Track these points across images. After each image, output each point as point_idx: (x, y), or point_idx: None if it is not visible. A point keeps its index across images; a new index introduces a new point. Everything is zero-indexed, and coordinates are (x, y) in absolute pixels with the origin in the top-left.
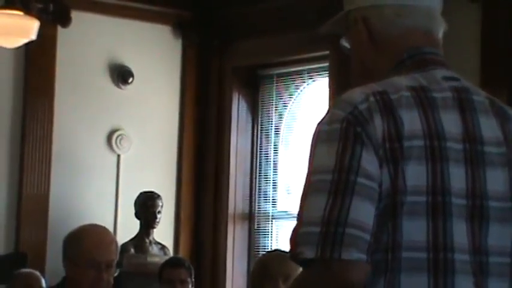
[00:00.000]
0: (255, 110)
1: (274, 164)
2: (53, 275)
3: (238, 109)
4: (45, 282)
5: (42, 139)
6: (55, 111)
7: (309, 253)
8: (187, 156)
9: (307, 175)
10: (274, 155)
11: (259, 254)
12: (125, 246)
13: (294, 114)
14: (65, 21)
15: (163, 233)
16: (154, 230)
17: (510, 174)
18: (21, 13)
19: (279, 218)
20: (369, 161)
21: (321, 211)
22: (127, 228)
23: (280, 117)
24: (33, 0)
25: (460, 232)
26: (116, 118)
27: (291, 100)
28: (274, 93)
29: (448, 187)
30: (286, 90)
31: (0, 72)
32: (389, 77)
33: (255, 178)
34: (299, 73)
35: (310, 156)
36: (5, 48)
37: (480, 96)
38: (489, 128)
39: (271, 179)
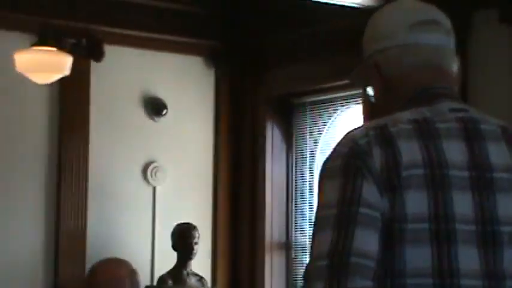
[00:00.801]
0: (289, 138)
1: (310, 192)
2: None
3: (273, 138)
4: None
5: (78, 174)
6: (90, 146)
7: (319, 286)
8: (222, 187)
9: (316, 212)
10: (310, 183)
11: (297, 283)
12: (162, 278)
13: (328, 142)
14: (98, 56)
15: (201, 264)
16: (192, 261)
17: None
18: (54, 49)
19: None
20: (370, 192)
21: (327, 245)
22: (164, 260)
23: (315, 145)
24: (66, 35)
25: (467, 258)
26: (150, 150)
27: (324, 128)
28: (308, 121)
29: (452, 213)
30: (320, 118)
31: (35, 109)
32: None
33: (291, 207)
34: (332, 101)
35: (318, 194)
36: (39, 85)
37: (490, 125)
38: (499, 154)
39: (308, 208)
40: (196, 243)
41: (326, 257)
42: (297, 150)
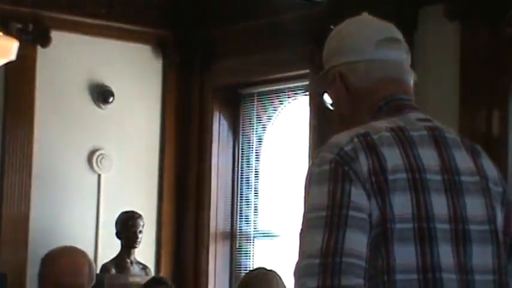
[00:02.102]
0: (236, 128)
1: (255, 182)
2: None
3: (219, 128)
4: None
5: (22, 160)
6: (35, 132)
7: (311, 283)
8: (168, 176)
9: (304, 214)
10: (255, 173)
11: (240, 273)
12: (106, 266)
13: (275, 132)
14: (45, 42)
15: (145, 253)
16: (136, 249)
17: (485, 200)
18: (0, 33)
19: (260, 237)
20: (358, 195)
21: (319, 244)
22: (108, 248)
23: (261, 136)
24: (13, 20)
25: (445, 254)
26: (96, 138)
27: (271, 118)
28: (255, 111)
29: (431, 214)
30: (267, 108)
31: None
32: (365, 123)
33: (236, 197)
34: (279, 92)
35: (304, 197)
36: None
37: (452, 134)
38: (463, 160)
39: (253, 198)
40: (140, 231)
41: (318, 256)
42: (243, 141)
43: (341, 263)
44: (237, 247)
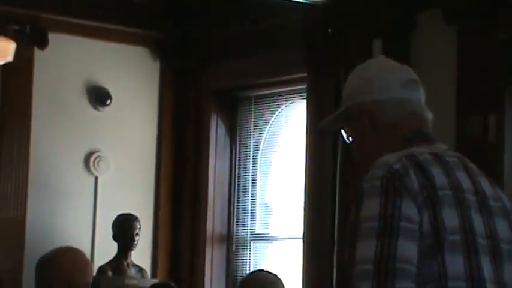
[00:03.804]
0: (234, 132)
1: (252, 185)
2: None
3: (217, 131)
4: None
5: (18, 161)
6: (32, 134)
7: (366, 286)
8: (165, 178)
9: (356, 225)
10: (252, 177)
11: (237, 276)
12: (102, 268)
13: (273, 136)
14: (42, 43)
15: (141, 255)
16: (132, 252)
17: (508, 223)
18: None
19: (256, 241)
20: (409, 208)
21: (372, 252)
22: (105, 251)
23: (259, 139)
24: (10, 21)
25: (487, 266)
26: (93, 140)
27: (269, 122)
28: (252, 115)
29: (473, 229)
30: (265, 112)
31: None
32: (400, 150)
33: (233, 201)
34: (277, 95)
35: (356, 210)
36: None
37: (472, 164)
38: (486, 186)
39: (250, 201)
40: (137, 234)
41: (371, 262)
42: (240, 144)
43: (394, 268)
44: (233, 251)
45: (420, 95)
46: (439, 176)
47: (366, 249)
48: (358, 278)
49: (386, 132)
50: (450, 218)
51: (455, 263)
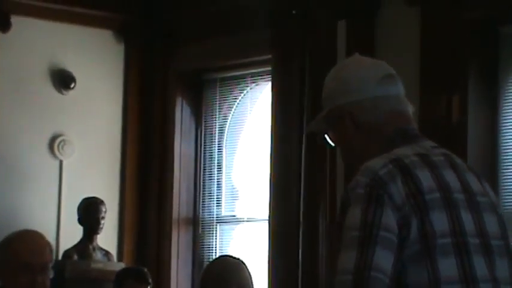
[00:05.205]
0: (199, 114)
1: (218, 168)
2: None
3: (182, 114)
4: None
5: None
6: None
7: None
8: (130, 162)
9: (342, 234)
10: (218, 159)
11: (203, 259)
12: (68, 252)
13: (238, 118)
14: (5, 27)
15: (107, 239)
16: (98, 236)
17: (497, 218)
18: None
19: (223, 223)
20: (389, 217)
21: (352, 262)
22: (70, 235)
23: (224, 122)
24: None
25: (479, 266)
26: (58, 123)
27: (234, 104)
28: (218, 97)
29: (463, 229)
30: (230, 94)
31: None
32: (384, 153)
33: (200, 183)
34: (242, 77)
35: (341, 217)
36: None
37: (459, 160)
38: (474, 182)
39: (216, 184)
40: (103, 217)
41: (350, 273)
42: (206, 127)
43: (369, 278)
44: (200, 233)
45: (398, 89)
46: (426, 179)
47: (347, 259)
48: None
49: (369, 132)
50: (439, 221)
51: (448, 267)
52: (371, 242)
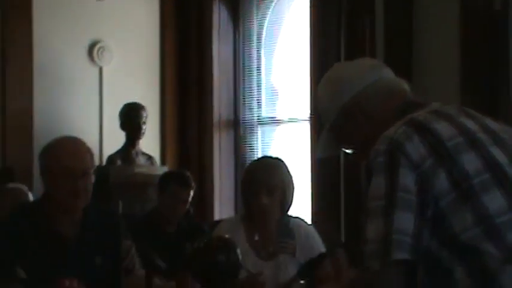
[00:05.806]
0: (236, 17)
1: (257, 70)
2: (41, 190)
3: (220, 17)
4: (33, 197)
5: (22, 54)
6: (34, 25)
7: (375, 264)
8: (169, 66)
9: (367, 203)
10: (257, 61)
11: (245, 160)
12: (111, 158)
13: (276, 19)
14: None
15: (150, 143)
16: (140, 140)
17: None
18: None
19: (264, 124)
20: (406, 176)
21: (376, 231)
22: (113, 140)
23: (262, 23)
24: None
25: None
26: (96, 30)
27: (272, 5)
28: (254, 1)
29: (497, 161)
30: None
31: None
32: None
33: (239, 86)
34: None
35: (366, 188)
36: None
37: (473, 111)
38: (492, 123)
39: (255, 86)
40: (144, 122)
41: (375, 242)
42: (244, 29)
43: (391, 242)
44: (241, 135)
45: (389, 72)
46: (444, 129)
47: (373, 228)
48: (369, 257)
49: (379, 116)
50: (469, 162)
51: (494, 201)
52: (391, 207)
